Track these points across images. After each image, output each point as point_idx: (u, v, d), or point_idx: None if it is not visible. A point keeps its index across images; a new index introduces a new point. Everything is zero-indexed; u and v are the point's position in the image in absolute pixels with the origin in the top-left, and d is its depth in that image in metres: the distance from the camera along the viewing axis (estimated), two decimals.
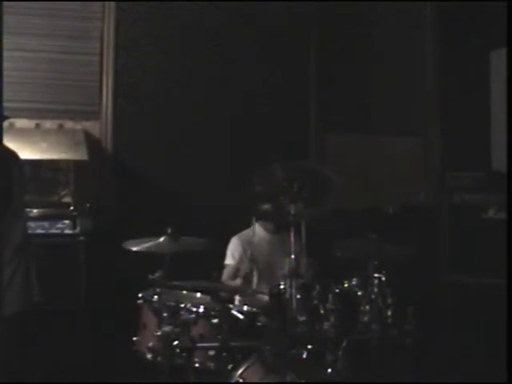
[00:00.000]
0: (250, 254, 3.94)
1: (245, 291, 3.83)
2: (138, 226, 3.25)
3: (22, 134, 4.49)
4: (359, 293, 2.94)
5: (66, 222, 4.19)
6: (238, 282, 3.91)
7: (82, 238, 4.17)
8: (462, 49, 5.20)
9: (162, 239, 3.15)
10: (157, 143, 4.86)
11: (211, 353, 2.92)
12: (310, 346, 2.79)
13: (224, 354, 2.89)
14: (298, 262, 2.97)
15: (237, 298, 3.85)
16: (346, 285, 2.97)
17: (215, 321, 2.96)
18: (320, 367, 2.80)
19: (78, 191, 4.46)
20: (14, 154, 3.02)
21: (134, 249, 3.13)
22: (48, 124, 4.70)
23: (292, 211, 2.97)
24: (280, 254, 3.78)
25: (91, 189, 4.62)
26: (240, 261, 3.93)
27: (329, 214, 3.14)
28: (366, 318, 2.90)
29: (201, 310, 2.99)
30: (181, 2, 4.92)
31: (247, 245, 3.97)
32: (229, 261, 3.96)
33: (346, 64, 5.21)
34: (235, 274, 3.88)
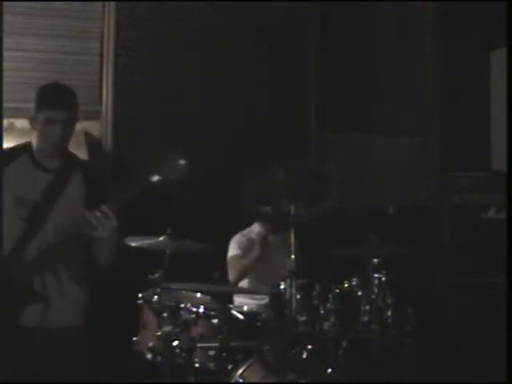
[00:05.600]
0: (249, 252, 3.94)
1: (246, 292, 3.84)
2: (138, 226, 3.24)
3: (22, 134, 4.48)
4: (359, 293, 2.94)
5: None
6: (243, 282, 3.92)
7: None
8: (462, 49, 5.19)
9: (161, 238, 3.15)
10: (157, 143, 4.85)
11: (211, 353, 2.92)
12: (310, 346, 2.80)
13: (224, 353, 2.89)
14: (298, 262, 2.97)
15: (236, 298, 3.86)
16: (345, 285, 2.97)
17: (215, 321, 2.96)
18: (320, 367, 2.80)
19: None
20: None
21: (133, 244, 3.13)
22: None
23: (292, 211, 2.98)
24: (279, 253, 3.79)
25: None
26: (245, 250, 3.92)
27: (329, 214, 3.14)
28: (365, 318, 2.90)
29: (201, 310, 2.99)
30: (181, 2, 4.92)
31: (247, 242, 3.98)
32: (234, 251, 3.94)
33: (346, 64, 5.20)
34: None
